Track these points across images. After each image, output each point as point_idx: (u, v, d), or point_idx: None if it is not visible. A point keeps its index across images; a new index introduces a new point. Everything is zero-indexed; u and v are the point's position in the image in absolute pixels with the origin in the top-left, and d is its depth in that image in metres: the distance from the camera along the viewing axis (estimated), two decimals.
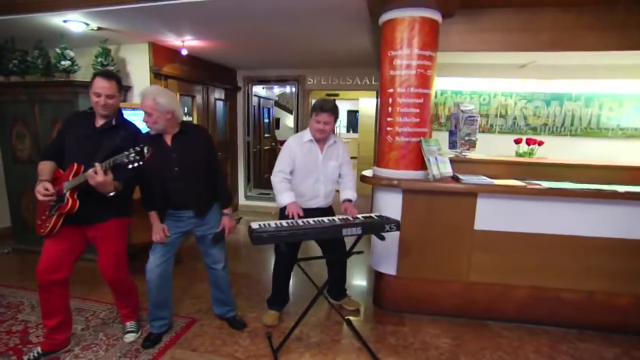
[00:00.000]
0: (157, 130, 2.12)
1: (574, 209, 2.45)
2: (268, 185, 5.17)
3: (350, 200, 2.52)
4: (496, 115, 4.94)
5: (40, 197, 1.91)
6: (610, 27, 2.45)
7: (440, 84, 5.03)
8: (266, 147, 7.12)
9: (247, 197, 6.01)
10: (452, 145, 2.85)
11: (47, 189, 1.92)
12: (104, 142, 2.03)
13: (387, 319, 2.77)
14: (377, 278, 2.91)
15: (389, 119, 2.61)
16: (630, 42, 2.45)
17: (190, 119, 4.51)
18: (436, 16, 2.50)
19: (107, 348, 2.34)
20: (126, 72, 3.81)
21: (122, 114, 2.18)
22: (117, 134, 2.08)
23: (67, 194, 1.94)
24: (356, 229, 2.12)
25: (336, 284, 2.89)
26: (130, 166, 1.81)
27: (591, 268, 2.50)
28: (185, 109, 4.39)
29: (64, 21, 2.98)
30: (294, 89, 5.53)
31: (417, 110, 2.53)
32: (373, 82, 5.14)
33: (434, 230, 2.62)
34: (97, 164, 1.83)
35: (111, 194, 1.94)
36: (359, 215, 2.35)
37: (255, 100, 6.64)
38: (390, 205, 2.67)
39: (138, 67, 3.77)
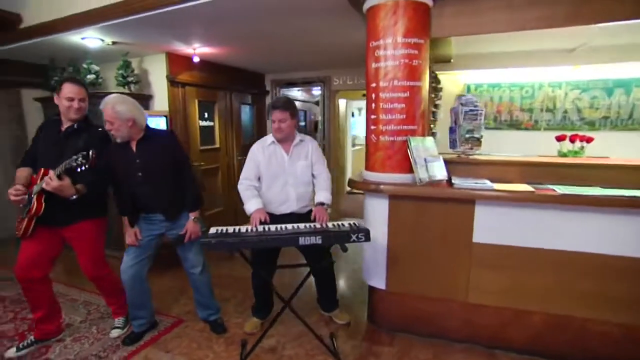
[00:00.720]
0: (122, 138, 2.16)
1: (602, 221, 1.97)
2: None
3: (322, 204, 2.33)
4: (542, 110, 4.32)
5: (12, 198, 2.07)
6: None
7: (474, 78, 4.56)
8: None
9: None
10: (453, 144, 2.50)
11: (17, 190, 2.07)
12: (68, 146, 2.14)
13: (376, 336, 2.52)
14: (370, 291, 2.66)
15: (372, 117, 2.37)
16: None
17: (211, 124, 4.65)
18: None
19: (93, 342, 2.47)
20: (148, 82, 4.05)
21: (87, 119, 2.26)
22: (80, 137, 2.18)
23: (34, 198, 2.07)
24: (315, 238, 1.94)
25: (324, 295, 2.71)
26: (78, 169, 1.87)
27: (626, 296, 1.99)
28: (206, 114, 4.53)
29: (82, 38, 3.24)
30: (320, 91, 5.42)
31: (403, 106, 2.25)
32: None
33: (426, 241, 2.31)
34: (50, 171, 1.94)
35: (73, 197, 2.03)
36: (330, 223, 2.16)
37: None
38: (377, 211, 2.42)
39: (157, 77, 3.98)
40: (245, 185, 2.39)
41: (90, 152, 1.89)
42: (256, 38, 3.46)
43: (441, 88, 4.41)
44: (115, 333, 2.52)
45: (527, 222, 2.09)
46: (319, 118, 5.67)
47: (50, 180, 1.95)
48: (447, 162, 2.38)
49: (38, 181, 2.09)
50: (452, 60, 4.37)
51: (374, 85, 2.33)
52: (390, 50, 2.23)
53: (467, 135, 2.36)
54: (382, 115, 2.31)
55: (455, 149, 2.47)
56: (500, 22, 2.22)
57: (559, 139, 3.39)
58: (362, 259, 2.67)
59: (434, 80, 3.95)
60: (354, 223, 2.11)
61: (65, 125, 2.24)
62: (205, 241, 1.91)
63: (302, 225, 2.10)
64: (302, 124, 7.42)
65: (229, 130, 4.94)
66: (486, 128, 4.38)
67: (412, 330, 2.49)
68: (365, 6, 2.31)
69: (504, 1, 2.17)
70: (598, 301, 2.04)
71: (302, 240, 1.93)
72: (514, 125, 4.46)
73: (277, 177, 2.41)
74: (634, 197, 1.82)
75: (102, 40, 3.32)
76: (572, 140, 3.30)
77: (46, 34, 3.27)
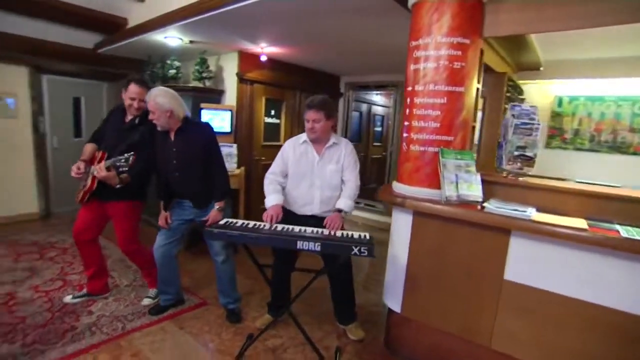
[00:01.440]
0: (161, 127, 2.34)
1: None
2: (371, 196, 5.00)
3: (340, 211, 2.21)
4: None
5: (73, 174, 2.42)
6: None
7: (568, 89, 3.89)
8: (374, 156, 6.91)
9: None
10: (499, 161, 2.14)
11: (79, 168, 2.41)
12: (127, 137, 2.44)
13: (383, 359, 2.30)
14: (388, 313, 2.44)
15: (405, 123, 2.17)
16: None
17: (277, 121, 4.80)
18: None
19: (128, 305, 2.76)
20: (222, 78, 4.37)
21: (145, 114, 2.49)
22: (137, 130, 2.47)
23: (90, 177, 2.40)
24: (315, 244, 1.85)
25: (339, 306, 2.57)
26: (120, 169, 2.24)
27: None
28: (272, 111, 4.70)
29: (165, 37, 3.64)
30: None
31: (438, 113, 2.01)
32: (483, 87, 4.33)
33: (449, 268, 2.02)
34: (100, 164, 2.24)
35: (117, 186, 2.34)
36: (340, 232, 2.04)
37: (364, 107, 6.56)
38: (400, 227, 2.20)
39: (229, 74, 4.27)
40: (270, 179, 2.40)
41: (131, 157, 2.23)
42: (321, 39, 3.48)
43: (523, 99, 3.85)
44: (145, 301, 2.77)
45: (574, 267, 1.68)
46: (390, 123, 5.46)
47: (100, 171, 2.29)
48: (490, 182, 2.06)
49: (95, 164, 2.41)
50: (541, 68, 3.80)
51: (410, 88, 2.13)
52: (430, 50, 2.01)
53: (517, 153, 1.99)
54: (415, 122, 2.09)
55: (501, 167, 2.11)
56: (572, 18, 1.82)
57: None
58: None
59: (512, 89, 3.46)
60: (364, 235, 1.95)
61: (129, 117, 2.56)
62: (208, 230, 1.96)
63: (308, 230, 2.02)
64: (379, 129, 7.25)
65: (295, 128, 5.04)
66: (577, 150, 3.75)
67: None
68: (410, 3, 2.12)
69: None
70: None
71: (300, 245, 1.85)
72: (618, 148, 3.66)
73: (304, 177, 2.37)
74: None
75: (181, 40, 3.68)
76: None
77: (140, 33, 3.76)
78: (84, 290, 2.82)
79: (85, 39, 4.65)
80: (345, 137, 5.77)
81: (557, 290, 1.72)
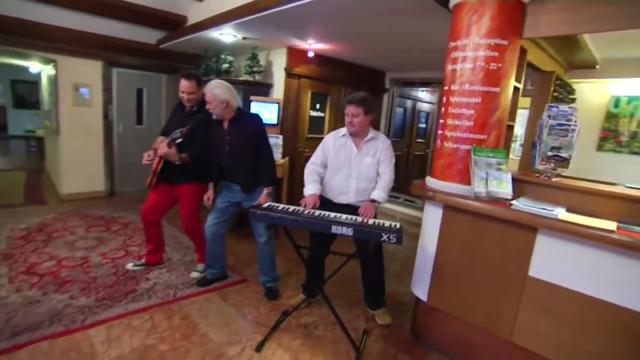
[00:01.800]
0: (217, 116, 2.60)
1: None
2: (403, 189, 5.07)
3: (374, 201, 2.35)
4: None
5: (143, 161, 2.76)
6: None
7: (627, 88, 3.69)
8: (417, 153, 6.89)
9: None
10: (533, 161, 2.15)
11: (149, 155, 2.74)
12: (186, 123, 2.73)
13: (408, 347, 2.43)
14: (415, 301, 2.55)
15: (441, 121, 2.25)
16: None
17: (322, 115, 4.98)
18: None
19: (178, 276, 3.10)
20: (271, 72, 4.62)
21: (202, 104, 2.75)
22: (195, 118, 2.75)
23: (157, 159, 2.72)
24: (347, 229, 2.01)
25: (369, 292, 2.72)
26: (177, 140, 2.57)
27: None
28: (317, 105, 4.88)
29: (220, 34, 3.93)
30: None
31: (472, 112, 2.08)
32: (529, 87, 4.21)
33: (475, 261, 2.10)
34: (162, 143, 2.57)
35: (177, 162, 2.64)
36: (372, 220, 2.18)
37: (409, 103, 6.56)
38: (431, 219, 2.30)
39: (278, 68, 4.51)
40: (310, 169, 2.59)
41: (184, 129, 2.55)
42: (366, 37, 3.60)
43: (574, 99, 3.71)
44: (194, 274, 3.10)
45: (600, 268, 1.70)
46: (434, 119, 5.44)
47: (162, 148, 2.61)
48: (521, 181, 2.10)
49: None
50: (597, 67, 3.65)
51: (446, 88, 2.21)
52: (467, 51, 2.07)
53: (550, 153, 2.01)
54: (450, 121, 2.17)
55: (535, 166, 2.13)
56: (617, 18, 1.81)
57: None
58: None
59: (560, 88, 3.36)
60: (395, 225, 2.08)
61: (186, 107, 2.86)
62: (253, 211, 2.19)
63: (343, 217, 2.18)
64: (423, 125, 7.20)
65: (338, 122, 5.19)
66: (634, 153, 3.57)
67: (447, 353, 2.32)
68: (451, 4, 2.19)
69: None
70: None
71: (334, 229, 2.02)
72: None
73: (342, 169, 2.53)
74: None
75: (235, 36, 3.95)
76: None
77: (198, 30, 4.08)
78: (143, 260, 3.20)
79: (149, 36, 5.11)
80: (388, 132, 5.87)
81: (581, 289, 1.75)
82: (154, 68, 5.78)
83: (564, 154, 2.00)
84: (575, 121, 2.00)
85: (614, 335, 1.68)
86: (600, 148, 3.89)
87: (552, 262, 1.84)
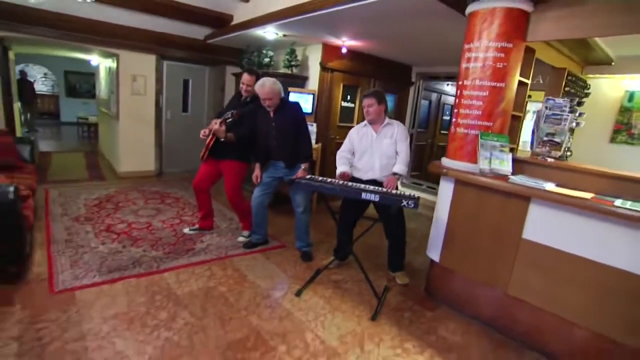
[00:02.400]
0: (273, 106, 3.10)
1: None
2: (434, 179, 5.42)
3: (395, 174, 2.81)
4: None
5: (201, 136, 3.32)
6: None
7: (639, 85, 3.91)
8: (441, 144, 7.20)
9: (402, 185, 6.45)
10: (532, 145, 2.54)
11: (204, 133, 3.30)
12: (241, 110, 3.26)
13: (422, 301, 2.88)
14: (430, 264, 3.00)
15: (455, 110, 2.67)
16: None
17: (352, 105, 5.43)
18: (523, 5, 2.34)
19: (227, 240, 3.67)
20: (307, 66, 5.10)
21: (254, 96, 3.26)
22: (247, 106, 3.30)
23: (210, 135, 3.27)
24: (374, 196, 2.48)
25: (392, 257, 3.19)
26: (227, 120, 3.12)
27: None
28: (348, 96, 5.33)
29: (264, 32, 4.44)
30: None
31: (481, 103, 2.48)
32: (540, 81, 4.48)
33: (479, 226, 2.52)
34: (216, 121, 3.10)
35: (222, 139, 3.19)
36: (394, 190, 2.64)
37: (434, 96, 6.88)
38: (445, 192, 2.74)
39: (313, 63, 4.98)
40: (340, 156, 3.09)
41: (235, 111, 3.12)
42: (395, 36, 4.01)
43: (588, 93, 3.98)
44: (240, 239, 3.66)
45: (578, 230, 2.09)
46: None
47: (215, 125, 3.15)
48: (521, 162, 2.50)
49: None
50: (613, 64, 3.91)
51: (460, 82, 2.62)
52: (479, 52, 2.47)
53: (546, 138, 2.39)
54: (462, 110, 2.59)
55: (533, 149, 2.52)
56: (607, 26, 2.16)
57: None
58: None
59: (573, 83, 3.66)
60: (413, 194, 2.53)
61: (243, 97, 3.41)
62: (298, 180, 2.70)
63: (370, 187, 2.65)
64: (447, 117, 7.48)
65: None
66: None
67: (455, 306, 2.76)
68: (467, 12, 2.59)
69: (603, 5, 2.11)
70: None
71: (364, 195, 2.50)
72: None
73: (366, 151, 3.01)
74: None
75: (277, 34, 4.45)
76: None
77: (245, 28, 4.60)
78: (197, 226, 3.80)
79: (197, 32, 5.69)
80: (413, 124, 6.26)
81: (565, 248, 2.15)
82: (200, 61, 6.38)
83: (557, 139, 2.38)
84: (568, 112, 2.36)
85: (592, 287, 2.06)
86: (613, 140, 4.14)
87: (541, 227, 2.24)
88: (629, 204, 1.91)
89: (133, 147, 5.90)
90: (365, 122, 3.04)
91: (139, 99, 5.79)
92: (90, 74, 12.34)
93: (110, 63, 6.25)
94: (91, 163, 6.92)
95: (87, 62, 9.48)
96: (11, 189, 2.30)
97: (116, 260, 3.03)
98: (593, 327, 2.10)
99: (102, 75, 7.35)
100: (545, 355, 2.31)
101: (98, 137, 9.16)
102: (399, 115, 6.18)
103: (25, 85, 9.72)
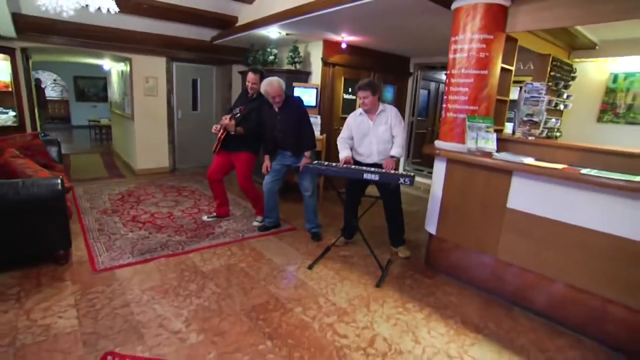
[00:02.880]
0: (279, 102, 3.41)
1: (623, 205, 2.10)
2: (428, 163, 5.71)
3: (392, 157, 3.11)
4: None
5: (213, 131, 3.65)
6: None
7: (624, 66, 4.17)
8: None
9: (404, 170, 6.75)
10: (513, 125, 2.83)
11: (215, 128, 3.63)
12: (248, 106, 3.58)
13: (422, 271, 3.20)
14: (428, 237, 3.31)
15: (445, 97, 2.96)
16: None
17: (353, 98, 5.70)
18: (501, 0, 2.62)
19: (242, 225, 4.00)
20: (309, 62, 5.39)
21: (260, 93, 3.57)
22: (253, 102, 3.62)
23: (221, 130, 3.59)
24: (374, 175, 2.80)
25: (393, 233, 3.50)
26: (236, 115, 3.44)
27: None
28: (350, 89, 5.61)
29: (267, 32, 4.74)
30: None
31: (467, 90, 2.78)
32: (531, 67, 4.74)
33: (470, 200, 2.82)
34: (227, 115, 3.45)
35: (232, 132, 3.51)
36: (392, 171, 2.96)
37: (432, 85, 7.14)
38: (439, 171, 3.04)
39: (315, 58, 5.27)
40: (341, 141, 3.39)
41: (241, 107, 3.46)
42: (391, 30, 4.27)
43: (574, 77, 4.24)
44: (255, 223, 4.00)
45: (554, 197, 2.38)
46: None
47: (225, 120, 3.47)
48: (505, 140, 2.79)
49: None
50: (597, 48, 4.16)
51: (449, 72, 2.91)
52: (464, 44, 2.76)
53: (526, 119, 2.68)
54: (451, 96, 2.88)
55: (515, 129, 2.80)
56: (575, 17, 2.44)
57: None
58: None
59: (558, 68, 3.92)
60: (410, 173, 2.84)
61: (249, 94, 3.72)
62: (306, 165, 3.04)
63: (371, 169, 2.96)
64: None
65: None
66: (629, 123, 4.11)
67: (452, 274, 3.07)
68: (452, 7, 2.87)
69: None
70: (617, 284, 2.19)
71: (366, 175, 2.82)
72: None
73: (364, 137, 3.30)
74: None
75: (280, 33, 4.75)
76: None
77: (249, 29, 4.90)
78: (214, 214, 4.14)
79: (204, 34, 6.00)
80: (413, 113, 6.53)
81: (543, 214, 2.44)
82: (207, 61, 6.69)
83: (535, 119, 2.66)
84: (544, 94, 2.64)
85: (567, 246, 2.36)
86: (600, 120, 4.40)
87: (523, 196, 2.54)
88: (594, 172, 2.20)
89: (148, 145, 6.25)
90: (360, 110, 3.32)
91: (151, 99, 6.14)
92: (98, 78, 12.76)
93: (122, 67, 6.59)
94: (108, 162, 7.30)
95: (95, 67, 9.86)
96: (58, 181, 2.65)
97: (145, 244, 3.39)
98: (569, 281, 2.40)
99: (115, 78, 7.71)
100: (530, 309, 2.62)
101: (111, 138, 9.55)
102: (398, 105, 6.44)
103: (39, 91, 10.13)
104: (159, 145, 6.40)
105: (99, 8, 3.20)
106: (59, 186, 2.64)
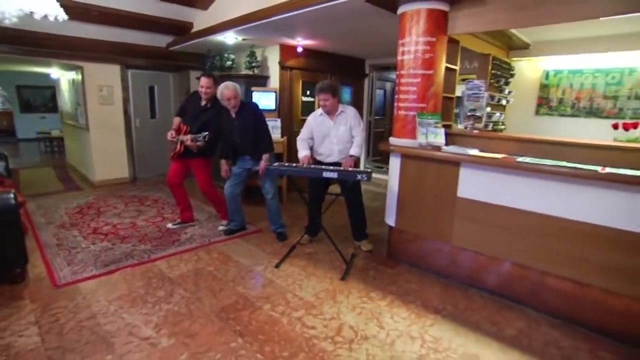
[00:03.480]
0: (235, 107, 3.46)
1: (554, 188, 2.36)
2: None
3: (352, 156, 3.27)
4: (629, 97, 4.15)
5: (168, 138, 3.64)
6: None
7: (554, 64, 4.60)
8: None
9: (364, 167, 6.97)
10: (458, 120, 3.07)
11: (172, 135, 3.62)
12: (201, 116, 3.62)
13: (385, 262, 3.38)
14: (389, 229, 3.49)
15: (396, 96, 3.16)
16: None
17: (312, 100, 5.84)
18: (441, 6, 2.85)
19: (208, 230, 4.02)
20: (267, 66, 5.47)
21: (215, 99, 3.59)
22: (208, 112, 3.64)
23: (179, 143, 3.60)
24: (334, 173, 2.93)
25: (355, 227, 3.65)
26: (198, 142, 3.45)
27: (578, 257, 2.33)
28: (308, 92, 5.75)
29: (224, 37, 4.77)
30: None
31: (415, 89, 2.98)
32: (475, 65, 5.09)
33: (424, 191, 3.02)
34: (188, 136, 3.48)
35: (195, 150, 3.53)
36: (350, 168, 3.11)
37: (388, 85, 7.43)
38: (394, 166, 3.22)
39: (272, 63, 5.36)
40: (301, 141, 3.49)
41: (207, 135, 3.45)
42: (345, 33, 4.44)
43: (513, 74, 4.62)
44: (220, 228, 4.03)
45: (498, 184, 2.62)
46: None
47: (187, 141, 3.53)
48: (453, 134, 3.02)
49: (182, 134, 3.63)
50: (530, 48, 4.55)
51: (399, 72, 3.10)
52: (410, 46, 2.96)
53: (469, 113, 2.92)
54: (402, 95, 3.08)
55: (460, 123, 3.05)
56: (503, 21, 2.70)
57: (615, 126, 3.43)
58: None
59: (498, 67, 4.26)
60: (367, 169, 3.00)
61: (203, 101, 3.72)
62: (268, 167, 3.12)
63: (330, 167, 3.10)
64: None
65: None
66: (561, 115, 4.52)
67: (412, 263, 3.27)
68: (398, 12, 3.07)
69: (502, 3, 2.63)
70: (553, 257, 2.45)
71: (325, 174, 2.94)
72: (594, 113, 4.38)
73: (325, 138, 3.43)
74: (575, 167, 2.22)
75: (237, 38, 4.80)
76: (626, 128, 3.32)
77: (206, 35, 4.90)
78: (178, 220, 4.12)
79: (159, 40, 5.91)
80: (370, 112, 6.76)
81: (488, 200, 2.67)
82: (163, 67, 6.58)
83: (478, 114, 2.91)
84: (484, 91, 2.89)
85: (511, 228, 2.59)
86: (537, 113, 4.82)
87: (470, 185, 2.76)
88: (527, 159, 2.45)
89: (106, 156, 6.06)
90: (320, 110, 3.44)
91: (107, 108, 5.96)
92: (45, 87, 12.07)
93: (74, 75, 6.34)
94: (62, 176, 6.97)
95: (42, 76, 9.37)
96: (11, 195, 2.56)
97: (109, 255, 3.33)
98: (513, 259, 2.65)
99: (65, 87, 7.38)
100: (484, 289, 2.86)
101: (64, 151, 9.10)
102: (356, 105, 6.62)
103: None
104: (118, 155, 6.22)
105: (46, 16, 3.11)
106: (12, 200, 2.55)
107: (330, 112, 3.39)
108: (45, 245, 3.52)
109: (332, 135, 3.40)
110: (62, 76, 7.38)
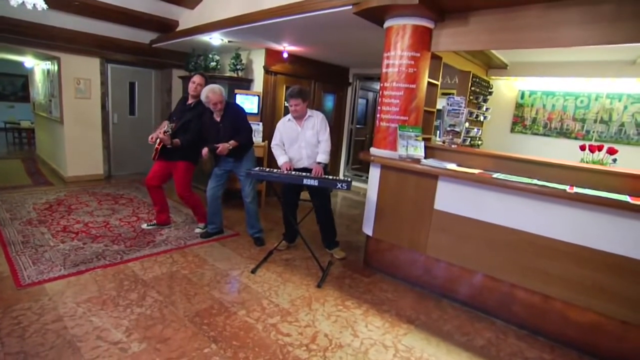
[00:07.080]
0: (220, 110, 3.44)
1: (525, 204, 2.46)
2: (367, 169, 6.01)
3: (319, 163, 3.31)
4: (596, 121, 4.38)
5: (149, 141, 3.57)
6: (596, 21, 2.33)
7: (529, 84, 4.80)
8: None
9: (344, 175, 7.04)
10: (438, 134, 3.17)
11: (152, 137, 3.55)
12: (187, 114, 3.58)
13: (361, 270, 3.41)
14: (366, 238, 3.53)
15: (379, 108, 3.22)
16: (621, 35, 2.27)
17: None
18: (426, 23, 2.94)
19: (184, 232, 3.95)
20: (251, 69, 5.46)
21: (199, 101, 3.57)
22: (192, 112, 3.62)
23: (157, 141, 3.54)
24: (314, 181, 2.95)
25: (326, 236, 3.67)
26: (166, 132, 3.40)
27: (545, 271, 2.44)
28: None
29: (209, 38, 4.73)
30: None
31: (398, 102, 3.05)
32: (456, 81, 5.27)
33: (402, 202, 3.09)
34: (163, 130, 3.44)
35: (169, 145, 3.48)
36: (326, 176, 3.16)
37: (371, 95, 7.55)
38: (374, 176, 3.28)
39: (257, 66, 5.36)
40: (275, 147, 3.50)
41: (173, 124, 3.48)
42: (331, 42, 4.49)
43: (491, 92, 4.80)
44: (197, 230, 3.97)
45: (473, 198, 2.71)
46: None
47: (160, 134, 3.46)
48: (432, 148, 3.10)
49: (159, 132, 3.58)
50: (508, 68, 4.74)
51: (382, 84, 3.17)
52: (395, 60, 3.03)
53: (449, 129, 3.02)
54: (384, 107, 3.14)
55: (440, 138, 3.14)
56: (483, 42, 2.81)
57: (582, 148, 3.61)
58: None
59: (478, 84, 4.41)
60: (347, 178, 3.04)
61: (189, 102, 3.69)
62: (248, 171, 3.11)
63: (311, 175, 3.12)
64: None
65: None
66: (534, 134, 4.71)
67: (388, 272, 3.32)
68: (384, 26, 3.14)
69: (489, 25, 2.74)
70: (522, 270, 2.55)
71: (306, 181, 2.97)
72: (564, 133, 4.60)
73: (294, 142, 3.45)
74: (545, 186, 2.33)
75: (222, 40, 4.77)
76: (592, 150, 3.51)
77: (191, 34, 4.85)
78: (154, 222, 4.03)
79: (142, 36, 5.80)
80: (352, 121, 6.84)
81: (463, 213, 2.76)
82: (145, 64, 6.45)
83: (457, 129, 3.01)
84: (464, 107, 2.99)
85: (483, 241, 2.68)
86: (512, 130, 5.01)
87: (448, 198, 2.84)
88: (502, 176, 2.55)
89: (80, 151, 5.86)
90: (289, 116, 3.47)
91: (83, 102, 5.78)
92: (17, 76, 11.56)
93: (49, 66, 6.13)
94: (31, 169, 6.69)
95: (14, 64, 8.98)
96: None
97: (79, 255, 3.22)
98: (484, 271, 2.74)
99: (39, 78, 7.11)
100: (456, 300, 2.93)
101: (34, 143, 8.74)
102: (338, 114, 6.76)
103: None
104: (93, 151, 6.03)
105: (23, 3, 3.01)
106: None
107: (299, 117, 3.42)
108: (9, 243, 3.36)
109: (300, 139, 3.42)
110: (37, 65, 7.11)
